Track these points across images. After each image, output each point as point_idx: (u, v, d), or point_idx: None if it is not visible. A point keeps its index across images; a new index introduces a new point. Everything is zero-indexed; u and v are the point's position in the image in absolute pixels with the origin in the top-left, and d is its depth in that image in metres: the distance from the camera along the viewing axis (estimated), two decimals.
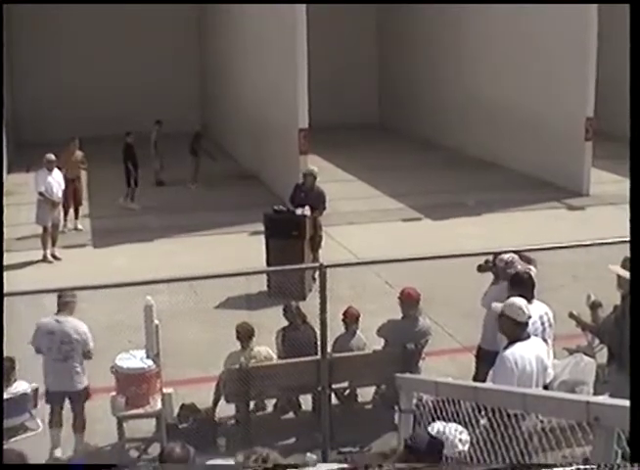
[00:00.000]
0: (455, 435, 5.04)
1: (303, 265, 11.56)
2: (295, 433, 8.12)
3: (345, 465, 6.97)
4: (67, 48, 26.75)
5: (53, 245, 14.20)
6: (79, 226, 16.20)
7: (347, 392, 8.65)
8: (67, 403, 7.89)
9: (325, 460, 7.55)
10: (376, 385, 8.67)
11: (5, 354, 7.32)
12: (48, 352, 7.69)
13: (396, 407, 6.34)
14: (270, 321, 9.07)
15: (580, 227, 14.81)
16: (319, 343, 7.69)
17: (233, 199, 18.29)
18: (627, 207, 3.65)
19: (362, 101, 28.84)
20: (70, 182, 15.43)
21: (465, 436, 5.06)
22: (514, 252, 7.90)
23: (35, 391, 8.29)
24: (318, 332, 7.64)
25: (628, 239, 3.63)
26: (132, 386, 7.53)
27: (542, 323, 6.66)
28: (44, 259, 13.99)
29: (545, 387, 6.10)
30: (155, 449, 7.57)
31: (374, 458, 6.87)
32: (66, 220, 15.74)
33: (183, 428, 7.96)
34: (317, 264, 8.27)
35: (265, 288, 11.49)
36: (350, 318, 8.55)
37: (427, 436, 4.75)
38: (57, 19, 26.31)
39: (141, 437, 7.92)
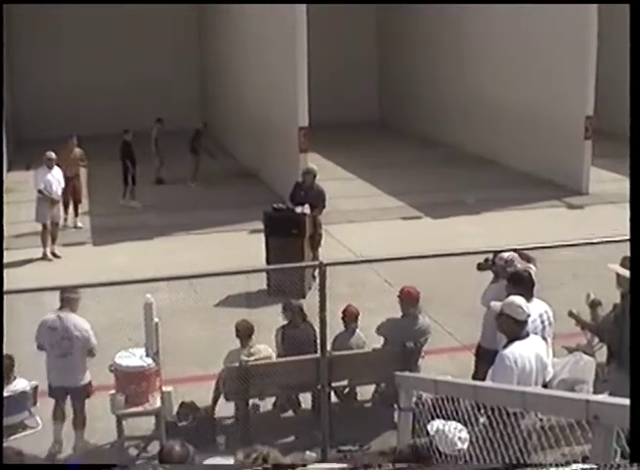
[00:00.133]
0: (454, 433, 5.04)
1: (303, 264, 11.56)
2: (294, 431, 8.12)
3: (345, 465, 6.95)
4: (67, 48, 26.72)
5: (53, 243, 14.19)
6: (79, 224, 16.20)
7: (347, 390, 8.64)
8: (68, 400, 7.90)
9: (324, 459, 7.56)
10: (375, 383, 8.66)
11: (4, 352, 7.33)
12: (50, 348, 7.72)
13: (396, 406, 6.35)
14: (270, 319, 9.07)
15: (580, 226, 14.80)
16: (319, 341, 7.68)
17: (233, 197, 18.28)
18: (627, 205, 3.66)
19: (362, 100, 28.80)
20: (69, 180, 15.42)
21: (464, 434, 5.06)
22: (513, 250, 7.90)
23: (35, 388, 8.29)
24: (318, 330, 7.65)
25: (628, 237, 3.64)
26: (132, 384, 7.52)
27: (542, 322, 6.66)
28: (44, 257, 13.97)
29: (544, 385, 6.10)
30: (154, 448, 7.57)
31: (373, 457, 6.88)
32: (65, 218, 15.75)
33: (182, 426, 7.95)
34: (317, 263, 8.29)
35: (265, 286, 11.48)
36: (350, 317, 8.55)
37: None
38: (57, 19, 26.28)
39: (140, 435, 7.90)
